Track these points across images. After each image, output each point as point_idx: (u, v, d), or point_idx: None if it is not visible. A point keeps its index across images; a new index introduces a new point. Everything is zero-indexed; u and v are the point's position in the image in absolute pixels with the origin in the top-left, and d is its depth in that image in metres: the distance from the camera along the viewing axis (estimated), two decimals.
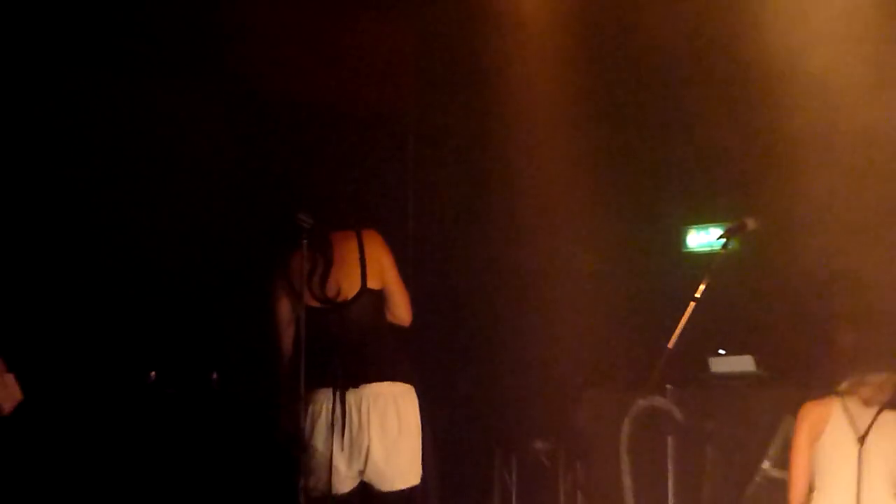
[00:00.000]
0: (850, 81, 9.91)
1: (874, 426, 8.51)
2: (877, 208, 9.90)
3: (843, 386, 8.75)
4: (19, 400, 7.67)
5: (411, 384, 8.49)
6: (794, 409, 9.74)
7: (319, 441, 8.06)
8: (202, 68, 10.17)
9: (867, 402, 8.66)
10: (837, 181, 10.00)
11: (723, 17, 10.53)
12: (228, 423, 8.53)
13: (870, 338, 9.58)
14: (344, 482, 8.18)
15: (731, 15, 10.39)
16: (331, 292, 8.41)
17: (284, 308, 8.48)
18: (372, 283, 8.45)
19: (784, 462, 9.51)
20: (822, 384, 9.27)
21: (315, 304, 8.35)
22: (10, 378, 7.96)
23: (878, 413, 8.61)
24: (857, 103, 9.94)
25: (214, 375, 9.13)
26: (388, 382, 8.35)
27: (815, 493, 8.60)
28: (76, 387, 8.82)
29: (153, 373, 9.03)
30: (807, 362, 9.89)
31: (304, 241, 8.36)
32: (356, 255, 8.49)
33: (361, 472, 8.30)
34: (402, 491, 8.44)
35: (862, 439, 8.49)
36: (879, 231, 9.79)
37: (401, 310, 8.60)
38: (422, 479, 8.62)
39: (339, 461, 8.15)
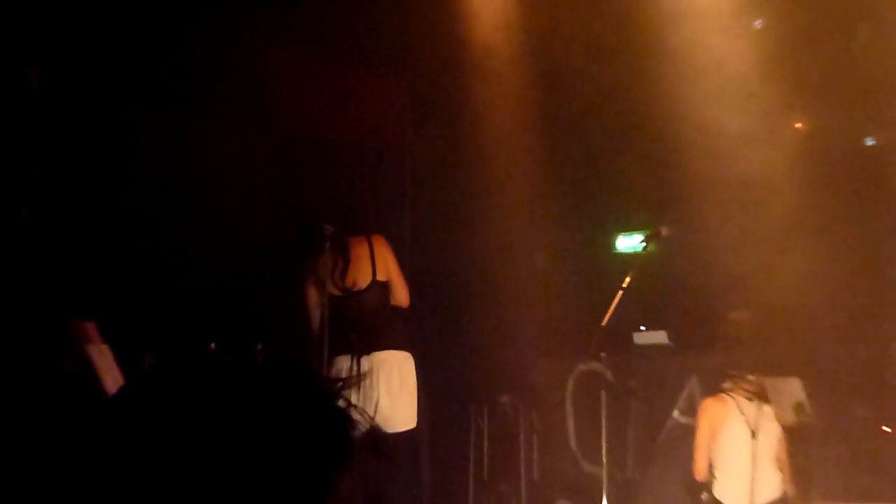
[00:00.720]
0: (736, 128, 10.17)
1: (760, 419, 8.96)
2: (765, 219, 10.08)
3: (727, 384, 9.02)
4: (119, 381, 7.93)
5: (409, 352, 8.82)
6: (696, 372, 10.10)
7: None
8: (248, 113, 10.18)
9: (749, 399, 9.03)
10: (730, 202, 10.25)
11: (639, 70, 10.55)
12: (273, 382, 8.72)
13: (751, 323, 9.90)
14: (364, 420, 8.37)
15: (648, 71, 10.41)
16: (348, 284, 8.72)
17: (313, 295, 8.75)
18: (380, 277, 8.77)
19: (688, 411, 9.81)
20: (716, 352, 9.63)
21: (337, 292, 8.66)
22: (106, 350, 8.20)
23: (760, 406, 9.02)
24: (741, 141, 10.24)
25: (259, 346, 9.07)
26: (392, 351, 8.71)
27: (717, 477, 8.86)
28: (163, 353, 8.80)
29: (212, 344, 8.92)
30: (705, 336, 10.16)
31: (327, 245, 8.74)
32: (367, 255, 8.82)
33: (373, 419, 8.58)
34: (403, 432, 8.81)
35: (754, 434, 8.95)
36: (765, 237, 10.08)
37: (401, 296, 8.91)
38: (417, 423, 8.96)
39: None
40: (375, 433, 8.39)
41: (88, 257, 8.98)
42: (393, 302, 8.93)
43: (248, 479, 1.64)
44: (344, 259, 8.82)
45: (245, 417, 1.66)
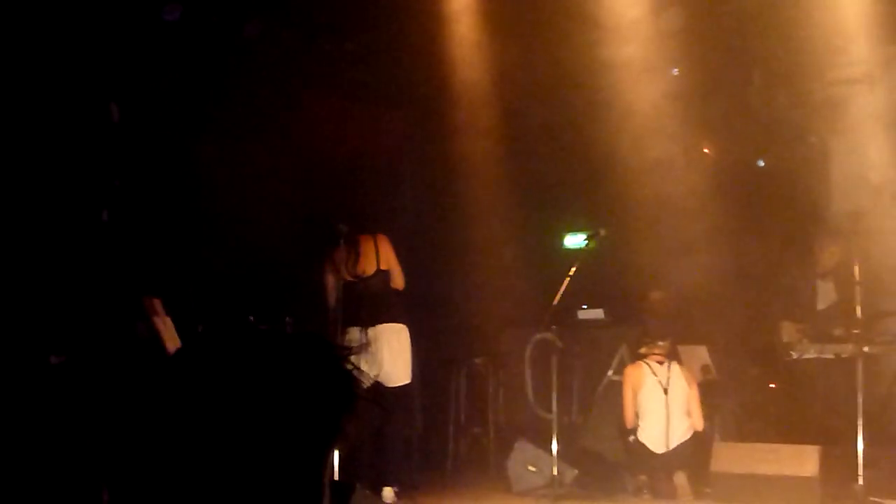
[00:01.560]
0: (657, 153, 10.18)
1: (672, 378, 9.01)
2: (679, 224, 10.01)
3: (643, 350, 9.12)
4: (178, 345, 7.96)
5: (405, 324, 8.82)
6: (625, 340, 10.14)
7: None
8: (284, 139, 10.19)
9: (661, 362, 9.08)
10: (652, 210, 10.19)
11: (580, 106, 10.52)
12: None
13: (667, 302, 9.93)
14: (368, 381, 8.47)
15: (587, 107, 10.35)
16: (359, 271, 8.76)
17: (331, 280, 8.77)
18: (382, 266, 8.78)
19: (619, 371, 9.78)
20: (639, 324, 9.69)
21: (350, 278, 8.70)
22: (168, 321, 8.24)
23: (670, 367, 9.09)
24: (662, 163, 10.27)
25: (289, 319, 9.00)
26: (392, 323, 8.73)
27: (640, 425, 8.92)
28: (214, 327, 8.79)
29: (251, 317, 8.85)
30: (632, 313, 10.22)
31: (342, 241, 8.78)
32: (373, 249, 8.82)
33: (377, 376, 8.53)
34: (400, 386, 8.81)
35: (666, 391, 9.00)
36: (679, 238, 10.05)
37: (398, 281, 8.88)
38: (411, 379, 8.96)
39: (364, 369, 8.47)
40: (378, 387, 8.57)
41: (156, 249, 8.94)
42: (392, 286, 8.90)
43: (277, 422, 1.69)
44: (356, 252, 8.81)
45: (275, 375, 1.71)
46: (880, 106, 9.66)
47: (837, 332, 9.08)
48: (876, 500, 8.24)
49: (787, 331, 9.54)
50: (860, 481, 8.29)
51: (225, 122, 9.74)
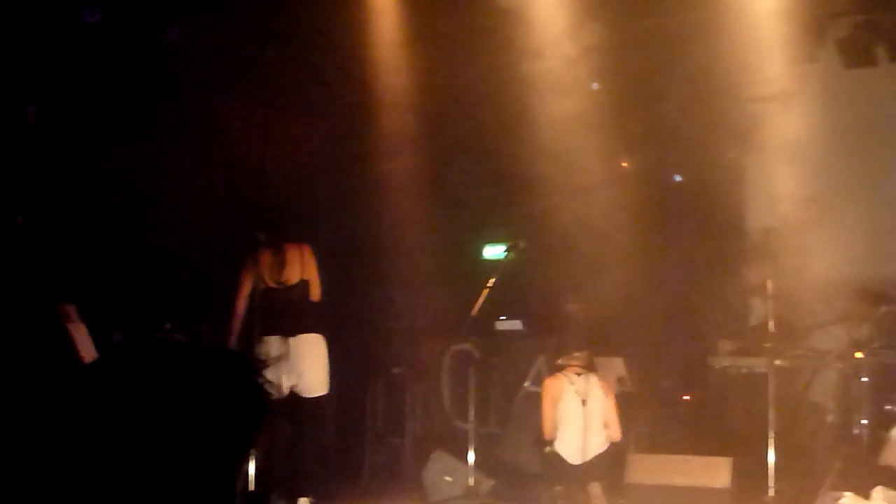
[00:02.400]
0: (577, 166, 10.16)
1: (589, 389, 9.06)
2: (596, 236, 10.01)
3: (561, 361, 9.15)
4: (92, 353, 7.85)
5: (322, 335, 8.81)
6: (543, 351, 10.17)
7: (271, 367, 8.06)
8: (206, 146, 10.13)
9: (579, 373, 9.13)
10: (571, 222, 10.25)
11: (501, 122, 10.55)
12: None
13: (583, 314, 10.00)
14: (282, 392, 8.37)
15: (508, 122, 10.37)
16: (283, 279, 8.74)
17: (247, 287, 8.76)
18: (305, 276, 8.75)
19: (537, 382, 9.83)
20: (557, 336, 9.71)
21: (273, 285, 8.68)
22: (83, 328, 8.11)
23: (588, 379, 9.14)
24: (581, 176, 10.30)
25: (204, 326, 9.06)
26: (311, 334, 8.70)
27: (558, 436, 8.88)
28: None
29: (168, 325, 8.87)
30: (551, 324, 10.27)
31: (265, 248, 8.73)
32: (298, 258, 8.79)
33: (295, 386, 8.52)
34: (318, 397, 8.80)
35: (584, 402, 9.05)
36: (597, 250, 10.18)
37: (316, 293, 8.83)
38: (328, 390, 8.92)
39: (283, 379, 8.41)
40: (295, 398, 8.57)
41: (71, 254, 8.84)
42: (310, 297, 8.88)
43: (190, 435, 1.69)
44: (281, 259, 8.79)
45: (189, 389, 1.71)
46: (794, 124, 9.81)
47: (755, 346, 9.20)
48: None
49: (723, 347, 9.65)
50: (771, 493, 8.46)
51: (144, 128, 9.67)
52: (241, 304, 8.71)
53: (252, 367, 1.79)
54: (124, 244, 9.34)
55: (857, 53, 9.90)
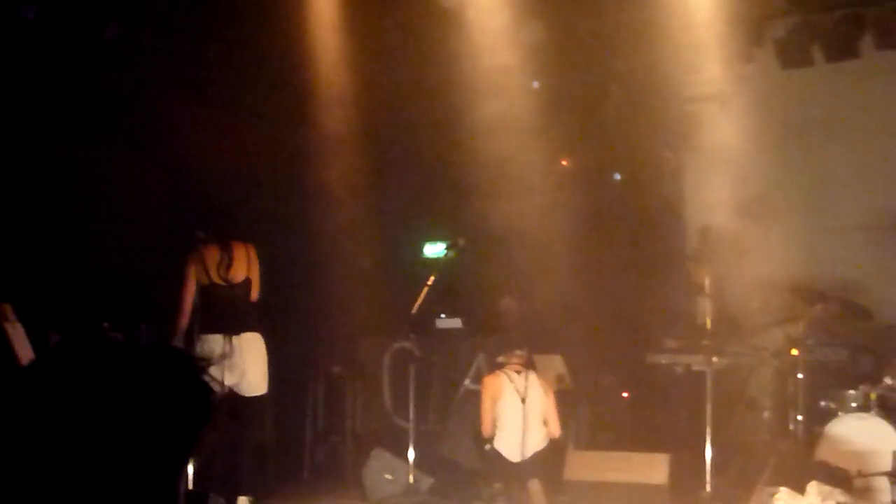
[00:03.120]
0: (516, 164, 10.24)
1: (529, 387, 9.12)
2: (536, 233, 10.10)
3: (501, 359, 9.21)
4: (29, 353, 7.75)
5: (261, 333, 8.76)
6: (483, 349, 10.21)
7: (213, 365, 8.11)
8: (146, 145, 10.02)
9: (518, 371, 9.18)
10: (509, 222, 10.23)
11: (440, 122, 10.61)
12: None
13: (519, 312, 10.05)
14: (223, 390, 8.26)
15: (448, 122, 10.40)
16: (230, 277, 8.70)
17: (193, 283, 8.70)
18: (249, 275, 8.75)
19: (476, 380, 9.88)
20: (497, 333, 9.76)
21: (219, 282, 8.64)
22: (19, 327, 8.01)
23: (528, 377, 9.20)
24: (521, 174, 10.39)
25: (143, 326, 8.95)
26: (253, 332, 8.65)
27: (498, 434, 8.95)
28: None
29: (106, 324, 8.75)
30: (490, 322, 10.33)
31: (209, 243, 8.66)
32: (245, 257, 8.77)
33: (236, 385, 8.50)
34: (258, 396, 8.79)
35: (524, 400, 9.11)
36: (535, 248, 10.24)
37: (256, 291, 8.81)
38: (268, 389, 8.88)
39: (225, 377, 8.35)
40: (234, 396, 8.52)
41: (7, 253, 8.75)
42: (251, 297, 8.86)
43: (132, 434, 1.69)
44: (229, 257, 8.74)
45: (130, 389, 1.71)
46: (731, 123, 9.92)
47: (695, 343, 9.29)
48: None
49: (668, 345, 9.74)
50: (708, 488, 8.57)
51: (82, 125, 9.57)
52: (189, 301, 8.66)
53: (196, 365, 1.80)
54: (61, 243, 9.25)
55: (794, 54, 10.02)
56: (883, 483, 7.94)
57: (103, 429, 1.69)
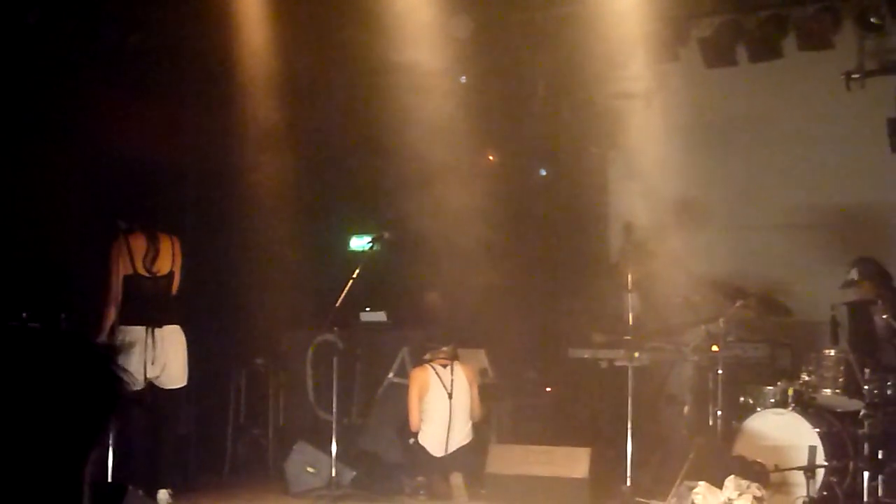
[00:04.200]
0: (443, 158, 10.18)
1: (455, 381, 9.17)
2: (461, 227, 9.97)
3: (428, 355, 9.27)
4: None
5: (182, 326, 8.77)
6: (407, 343, 10.24)
7: (134, 357, 8.12)
8: (69, 137, 9.81)
9: (444, 365, 9.23)
10: (435, 215, 10.22)
11: (366, 116, 10.53)
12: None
13: (443, 305, 10.09)
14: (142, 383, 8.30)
15: (374, 117, 10.31)
16: (155, 268, 8.69)
17: (120, 273, 8.65)
18: (173, 268, 8.75)
19: (401, 373, 9.98)
20: (421, 327, 9.79)
21: (144, 273, 8.63)
22: None
23: (454, 370, 9.24)
24: (447, 168, 10.38)
25: (63, 315, 8.86)
26: (174, 325, 8.66)
27: (423, 428, 9.07)
28: None
29: (25, 314, 8.60)
30: (413, 316, 10.35)
31: (133, 232, 8.61)
32: (170, 249, 8.77)
33: (157, 377, 8.49)
34: (178, 388, 8.80)
35: (451, 395, 9.15)
36: (460, 241, 10.25)
37: (177, 285, 8.82)
38: (187, 381, 8.88)
39: (147, 370, 8.34)
40: (154, 388, 8.54)
41: None
42: (173, 289, 8.84)
43: (33, 421, 1.69)
44: (155, 248, 8.74)
45: (33, 375, 1.71)
46: (656, 121, 10.03)
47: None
48: (642, 500, 8.64)
49: (595, 340, 9.82)
50: (628, 482, 8.66)
51: (1, 113, 9.44)
52: (117, 290, 8.59)
53: (103, 353, 1.80)
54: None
55: (718, 53, 10.16)
56: (799, 477, 8.09)
57: (3, 414, 1.69)
